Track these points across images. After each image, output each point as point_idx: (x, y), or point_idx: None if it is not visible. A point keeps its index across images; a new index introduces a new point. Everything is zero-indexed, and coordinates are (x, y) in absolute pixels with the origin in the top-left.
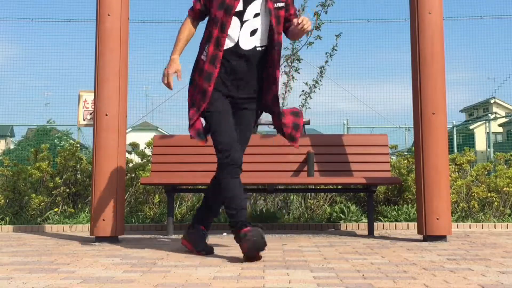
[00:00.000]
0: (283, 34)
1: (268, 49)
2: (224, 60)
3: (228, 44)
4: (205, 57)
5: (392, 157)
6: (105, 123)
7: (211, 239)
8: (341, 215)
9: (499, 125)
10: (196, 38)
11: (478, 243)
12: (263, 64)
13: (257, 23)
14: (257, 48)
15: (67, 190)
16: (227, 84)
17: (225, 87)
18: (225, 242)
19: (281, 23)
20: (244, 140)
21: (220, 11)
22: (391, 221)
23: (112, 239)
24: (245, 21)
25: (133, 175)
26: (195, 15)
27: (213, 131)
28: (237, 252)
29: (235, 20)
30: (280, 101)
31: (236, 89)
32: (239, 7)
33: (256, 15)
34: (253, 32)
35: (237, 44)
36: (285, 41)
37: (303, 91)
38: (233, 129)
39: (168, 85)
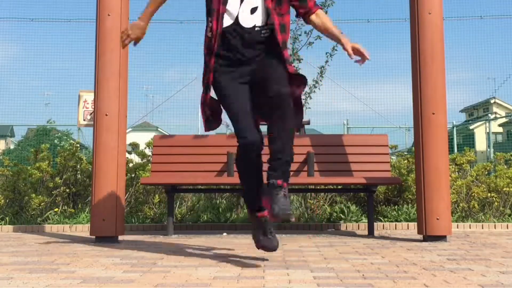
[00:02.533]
0: (299, 18)
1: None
2: (224, 37)
3: (227, 21)
4: (210, 33)
5: (392, 157)
6: (105, 123)
7: (211, 239)
8: (341, 215)
9: (499, 125)
10: None
11: (478, 243)
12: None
13: (257, 1)
14: (256, 28)
15: (67, 190)
16: (230, 56)
17: (228, 59)
18: (225, 242)
19: (284, 4)
20: (275, 80)
21: None
22: (391, 221)
23: (112, 239)
24: None
25: (133, 175)
26: None
27: (229, 117)
28: (237, 252)
29: None
30: None
31: (241, 53)
32: None
33: None
34: (253, 10)
35: (236, 21)
36: None
37: None
38: (246, 109)
39: (122, 43)
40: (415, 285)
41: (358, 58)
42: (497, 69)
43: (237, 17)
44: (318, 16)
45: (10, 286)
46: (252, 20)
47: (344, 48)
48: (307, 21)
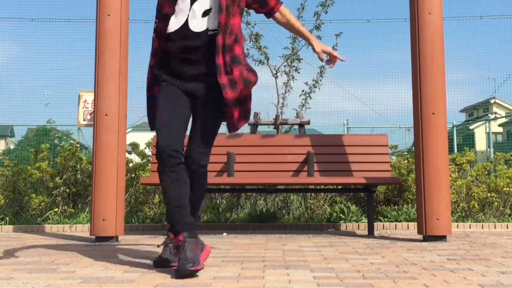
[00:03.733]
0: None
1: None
2: (169, 41)
3: (173, 25)
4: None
5: (392, 157)
6: (105, 123)
7: (211, 239)
8: (341, 215)
9: (499, 125)
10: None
11: (478, 243)
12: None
13: (210, 2)
14: (209, 32)
15: (67, 190)
16: (171, 65)
17: (168, 68)
18: (225, 242)
19: (236, 3)
20: (204, 132)
21: None
22: (391, 221)
23: (112, 239)
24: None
25: (133, 175)
26: None
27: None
28: (237, 252)
29: None
30: (280, 101)
31: (183, 65)
32: None
33: None
34: (205, 13)
35: (185, 24)
36: (285, 41)
37: (303, 91)
38: (171, 112)
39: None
40: (415, 285)
41: (327, 58)
42: (497, 69)
43: (186, 20)
44: (281, 14)
45: (10, 286)
46: (203, 23)
47: (314, 51)
48: (269, 17)
